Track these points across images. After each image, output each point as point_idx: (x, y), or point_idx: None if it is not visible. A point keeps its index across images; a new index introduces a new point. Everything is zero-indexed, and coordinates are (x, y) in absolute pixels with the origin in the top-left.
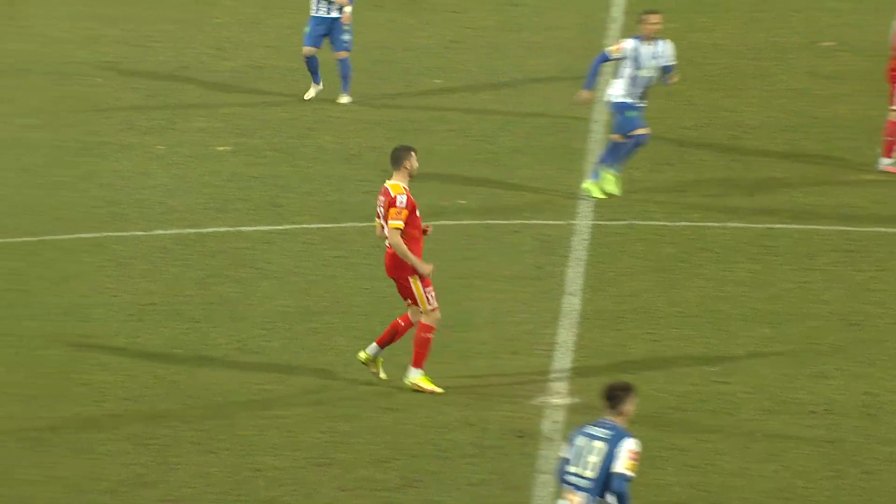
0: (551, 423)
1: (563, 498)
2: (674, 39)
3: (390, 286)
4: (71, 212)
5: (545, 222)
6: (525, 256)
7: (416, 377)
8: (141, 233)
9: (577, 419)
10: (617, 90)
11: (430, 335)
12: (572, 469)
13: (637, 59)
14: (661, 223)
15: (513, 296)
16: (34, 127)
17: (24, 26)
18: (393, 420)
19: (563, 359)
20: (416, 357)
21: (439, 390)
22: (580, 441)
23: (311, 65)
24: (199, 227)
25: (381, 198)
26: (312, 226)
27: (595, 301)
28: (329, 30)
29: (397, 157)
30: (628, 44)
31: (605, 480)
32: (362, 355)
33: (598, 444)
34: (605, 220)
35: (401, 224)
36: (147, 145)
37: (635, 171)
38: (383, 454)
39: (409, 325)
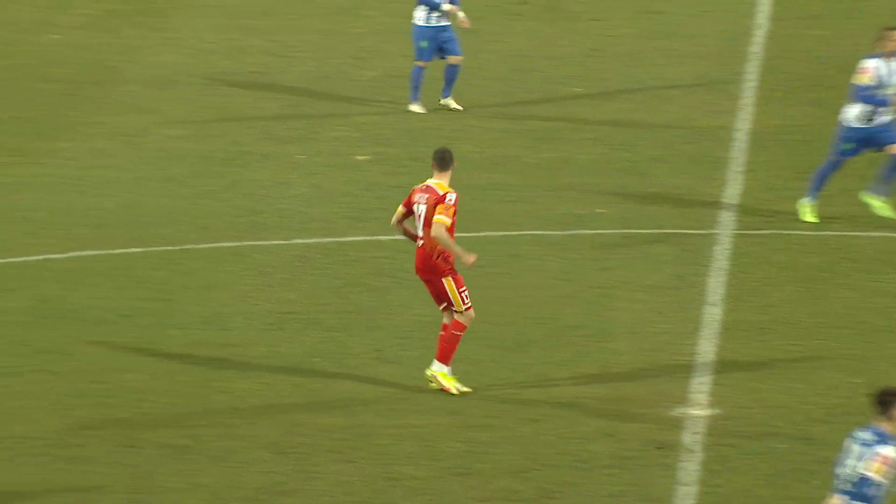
0: (691, 434)
1: (827, 501)
2: (821, 47)
3: (527, 295)
4: (213, 221)
5: (685, 231)
6: (665, 266)
7: (438, 369)
8: (281, 242)
9: (718, 430)
10: (852, 110)
11: (461, 333)
12: (837, 471)
13: (880, 77)
14: (804, 232)
15: (652, 306)
16: (180, 137)
17: (172, 38)
18: (531, 430)
19: (703, 370)
20: (441, 351)
21: (456, 391)
22: (846, 444)
23: (422, 79)
24: (338, 237)
25: (422, 195)
26: None
27: (737, 311)
28: (442, 38)
29: (444, 159)
30: (870, 64)
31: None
32: (433, 384)
33: (859, 449)
34: (748, 230)
35: (448, 220)
36: (287, 155)
37: (778, 179)
38: (522, 465)
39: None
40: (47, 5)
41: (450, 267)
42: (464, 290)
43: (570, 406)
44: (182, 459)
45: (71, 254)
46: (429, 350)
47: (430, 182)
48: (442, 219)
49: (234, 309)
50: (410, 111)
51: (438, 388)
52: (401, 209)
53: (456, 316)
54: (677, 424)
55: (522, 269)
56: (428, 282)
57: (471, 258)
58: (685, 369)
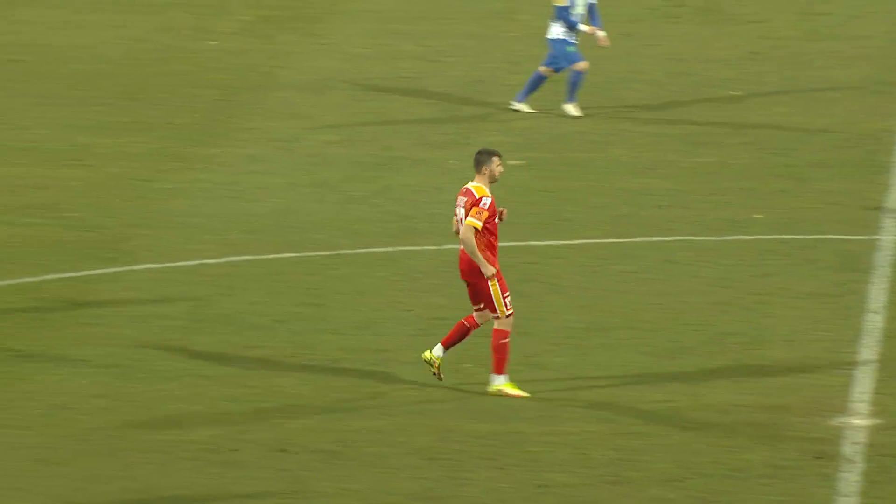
0: (851, 444)
1: None
2: None
3: (681, 301)
4: (365, 226)
5: (846, 237)
6: (824, 272)
7: (500, 384)
8: (432, 247)
9: (879, 440)
10: None
11: (507, 340)
12: None
13: None
14: None
15: (811, 313)
16: (332, 142)
17: (326, 43)
18: (684, 438)
19: (864, 378)
20: (496, 364)
21: (525, 394)
22: None
23: (581, 82)
24: None
25: (462, 198)
26: (603, 240)
27: None
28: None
29: (478, 161)
30: None
31: None
32: (427, 354)
33: None
34: None
35: (479, 224)
36: (440, 160)
37: None
38: (674, 473)
39: (475, 326)
40: (204, 12)
41: (495, 270)
42: (507, 296)
43: (725, 414)
44: (334, 464)
45: (225, 259)
46: (580, 356)
47: (470, 185)
48: (473, 221)
49: (385, 314)
50: (564, 112)
51: (502, 396)
52: (454, 219)
53: (497, 324)
54: (837, 434)
55: (676, 275)
56: (469, 284)
57: (491, 270)
58: (845, 378)
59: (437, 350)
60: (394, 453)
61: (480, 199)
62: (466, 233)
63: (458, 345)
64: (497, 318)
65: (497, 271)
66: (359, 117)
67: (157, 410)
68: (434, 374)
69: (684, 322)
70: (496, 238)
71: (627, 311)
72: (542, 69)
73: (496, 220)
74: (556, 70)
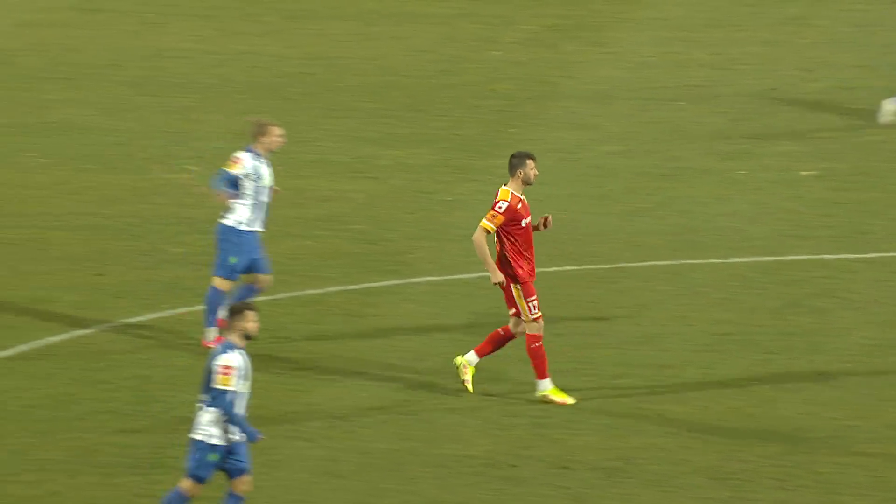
0: None
1: None
2: None
3: None
4: (647, 239)
5: None
6: None
7: (544, 389)
8: (717, 260)
9: None
10: None
11: (538, 344)
12: None
13: None
14: None
15: None
16: (617, 153)
17: (612, 52)
18: None
19: None
20: (536, 369)
21: (570, 401)
22: None
23: None
24: (778, 255)
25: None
26: None
27: None
28: None
29: (512, 164)
30: None
31: None
32: (458, 359)
33: None
34: None
35: (490, 226)
36: (727, 170)
37: None
38: None
39: (509, 335)
40: (490, 22)
41: (517, 273)
42: (532, 300)
43: None
44: (615, 482)
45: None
46: (875, 374)
47: (502, 186)
48: (485, 224)
49: (668, 329)
50: (880, 108)
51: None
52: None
53: (526, 328)
54: None
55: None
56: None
57: (497, 277)
58: None
59: (470, 356)
60: (677, 472)
61: (498, 201)
62: (477, 234)
63: (492, 354)
64: (524, 321)
65: (528, 278)
66: (644, 127)
67: (438, 424)
68: (463, 381)
69: None
70: (528, 244)
71: None
72: None
73: (540, 227)
74: None
